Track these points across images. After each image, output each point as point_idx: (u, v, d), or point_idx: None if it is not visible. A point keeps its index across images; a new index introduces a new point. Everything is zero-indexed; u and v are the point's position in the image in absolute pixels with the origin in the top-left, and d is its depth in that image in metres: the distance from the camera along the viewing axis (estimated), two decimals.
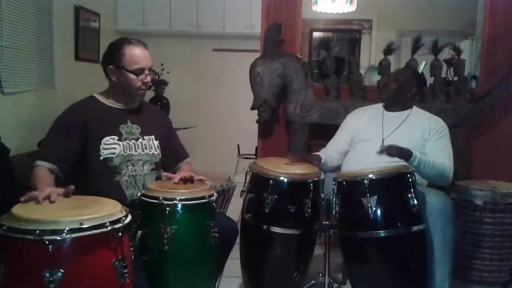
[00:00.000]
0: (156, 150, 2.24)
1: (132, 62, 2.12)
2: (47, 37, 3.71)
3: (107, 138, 2.11)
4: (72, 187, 1.74)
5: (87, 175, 2.07)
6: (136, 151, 2.17)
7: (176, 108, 5.35)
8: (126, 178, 2.11)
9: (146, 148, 2.20)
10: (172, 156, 2.35)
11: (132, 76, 2.13)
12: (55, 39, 3.83)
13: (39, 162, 2.04)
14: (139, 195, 2.01)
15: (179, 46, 5.87)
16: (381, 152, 2.36)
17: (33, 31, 3.48)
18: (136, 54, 2.13)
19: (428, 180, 2.57)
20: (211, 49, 5.93)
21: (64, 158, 2.06)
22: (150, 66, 2.18)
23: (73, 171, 2.08)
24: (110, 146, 2.11)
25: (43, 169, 2.02)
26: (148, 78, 2.18)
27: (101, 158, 2.08)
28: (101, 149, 2.09)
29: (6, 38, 3.10)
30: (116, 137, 2.13)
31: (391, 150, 2.36)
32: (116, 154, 2.11)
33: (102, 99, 2.21)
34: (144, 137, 2.21)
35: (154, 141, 2.24)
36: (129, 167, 2.14)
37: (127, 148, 2.14)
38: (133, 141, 2.17)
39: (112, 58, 2.15)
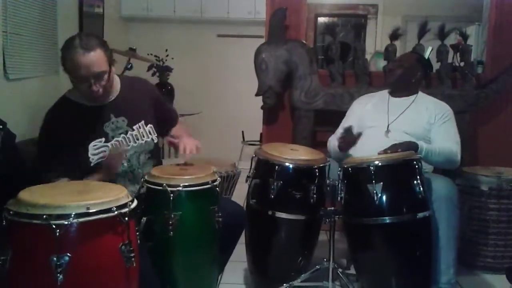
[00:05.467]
0: (149, 137, 2.11)
1: (70, 69, 1.88)
2: (51, 23, 3.69)
3: (94, 142, 1.97)
4: None
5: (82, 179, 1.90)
6: (128, 146, 2.05)
7: (180, 94, 5.34)
8: (123, 176, 2.03)
9: (138, 139, 2.08)
10: (164, 123, 2.27)
11: (74, 83, 1.93)
12: (59, 25, 3.80)
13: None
14: (142, 180, 1.96)
15: (183, 32, 5.83)
16: (386, 151, 2.31)
17: (37, 17, 3.46)
18: (73, 61, 1.85)
19: (436, 166, 2.56)
20: (215, 35, 5.89)
21: (62, 170, 1.90)
22: (94, 73, 1.86)
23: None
24: (99, 150, 1.98)
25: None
26: (94, 88, 1.88)
27: (92, 164, 1.96)
28: (90, 155, 1.96)
29: (11, 24, 3.08)
30: (103, 139, 2.00)
31: (398, 147, 2.33)
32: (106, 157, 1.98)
33: (76, 98, 2.01)
34: (133, 127, 2.07)
35: (145, 127, 2.11)
36: (124, 163, 2.03)
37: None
38: (122, 135, 2.04)
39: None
